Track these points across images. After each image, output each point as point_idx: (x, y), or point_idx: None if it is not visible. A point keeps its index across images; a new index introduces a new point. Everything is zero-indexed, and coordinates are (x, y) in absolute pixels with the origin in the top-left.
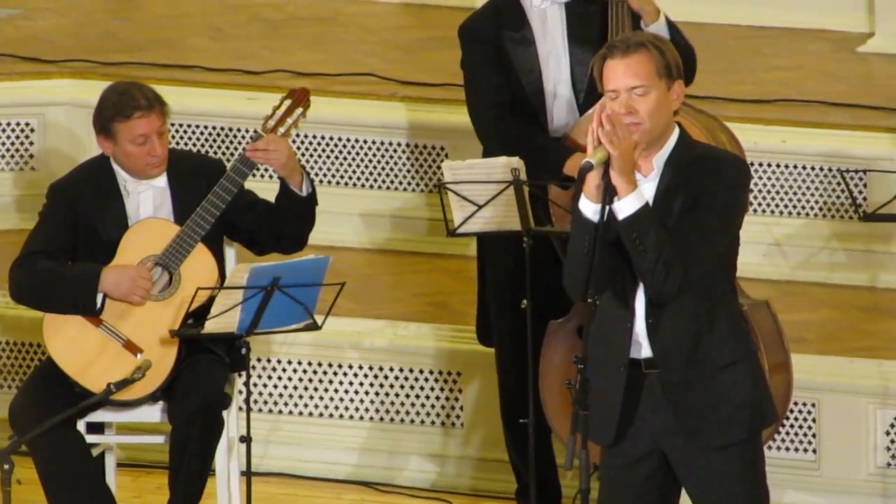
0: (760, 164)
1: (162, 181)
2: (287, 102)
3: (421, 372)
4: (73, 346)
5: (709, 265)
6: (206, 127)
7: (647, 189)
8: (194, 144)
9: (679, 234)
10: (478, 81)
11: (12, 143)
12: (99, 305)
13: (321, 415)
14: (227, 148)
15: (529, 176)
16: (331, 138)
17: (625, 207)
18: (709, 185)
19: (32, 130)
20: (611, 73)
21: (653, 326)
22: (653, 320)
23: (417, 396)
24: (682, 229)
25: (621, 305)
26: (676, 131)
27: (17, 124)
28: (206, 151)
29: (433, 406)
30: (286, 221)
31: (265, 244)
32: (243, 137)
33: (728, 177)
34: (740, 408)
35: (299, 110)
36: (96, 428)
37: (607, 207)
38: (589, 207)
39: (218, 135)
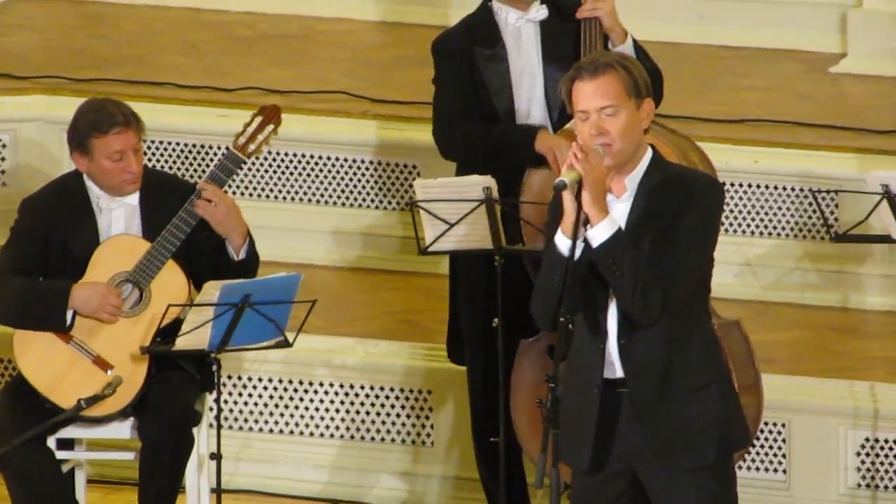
0: (732, 184)
1: (135, 199)
2: (258, 119)
3: (392, 390)
4: (44, 361)
5: (686, 288)
6: (177, 144)
7: (620, 210)
8: (166, 161)
9: (655, 259)
10: (445, 94)
11: None
12: (69, 322)
13: (291, 432)
14: (200, 165)
15: (502, 172)
16: (302, 156)
17: (598, 235)
18: (683, 209)
19: (4, 146)
20: (580, 94)
21: (624, 347)
22: (624, 341)
23: (388, 414)
24: (659, 253)
25: (593, 325)
26: (649, 152)
27: None
28: (178, 168)
29: (403, 424)
30: (223, 273)
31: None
32: (215, 154)
33: (702, 199)
34: (712, 432)
35: (270, 127)
36: (66, 444)
37: (578, 243)
38: (564, 243)
39: (190, 152)
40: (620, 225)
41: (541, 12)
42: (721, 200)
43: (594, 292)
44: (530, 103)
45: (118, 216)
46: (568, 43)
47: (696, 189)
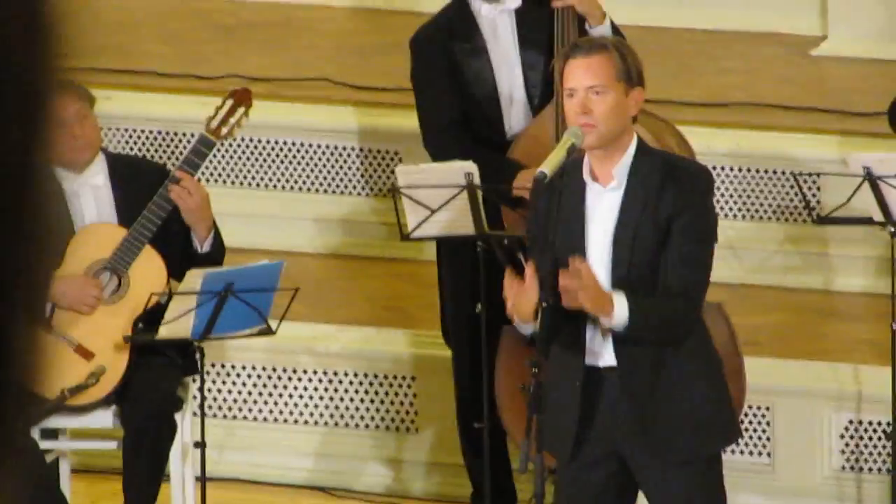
0: (714, 168)
1: (99, 179)
2: (229, 102)
3: (375, 376)
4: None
5: (706, 287)
6: (158, 132)
7: (609, 200)
8: (147, 149)
9: (675, 275)
10: (428, 98)
11: None
12: (48, 314)
13: (276, 420)
14: (180, 152)
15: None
16: (284, 143)
17: (617, 323)
18: (681, 207)
19: None
20: (570, 72)
21: (619, 339)
22: (619, 335)
23: (372, 401)
24: (676, 267)
25: (575, 314)
26: (635, 140)
27: None
28: (158, 156)
29: (388, 411)
30: (190, 263)
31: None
32: (192, 141)
33: (699, 195)
34: (703, 426)
35: (241, 110)
36: (50, 434)
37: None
38: (526, 328)
39: (172, 139)
40: (622, 295)
41: (513, 1)
42: (712, 186)
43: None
44: (511, 90)
45: (88, 202)
46: (543, 29)
47: (690, 183)
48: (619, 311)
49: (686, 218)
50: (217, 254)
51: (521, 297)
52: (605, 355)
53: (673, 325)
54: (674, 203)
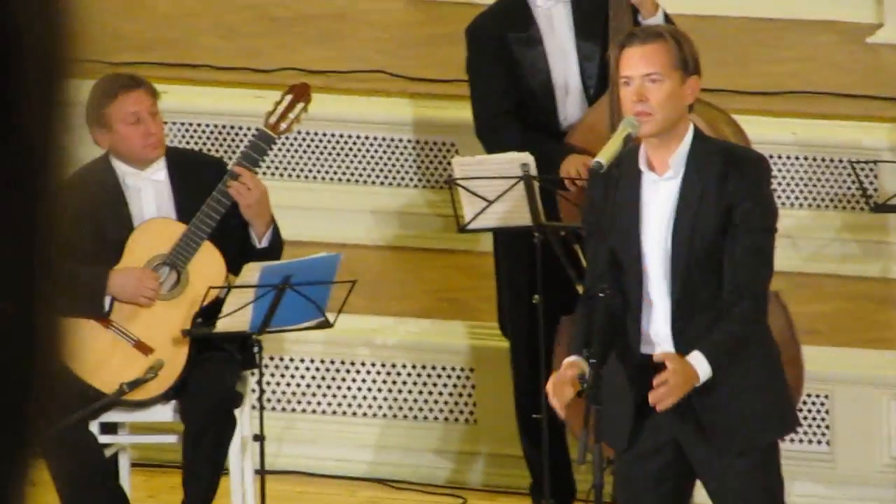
0: (770, 156)
1: (161, 175)
2: (288, 98)
3: (433, 368)
4: (84, 347)
5: (770, 277)
6: (214, 126)
7: (666, 189)
8: (204, 143)
9: (742, 267)
10: (483, 87)
11: None
12: (107, 308)
13: (334, 412)
14: (237, 146)
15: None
16: (340, 136)
17: (704, 380)
18: (742, 196)
19: None
20: (626, 60)
21: (679, 330)
22: (680, 323)
23: (430, 393)
24: (742, 262)
25: (634, 303)
26: (691, 129)
27: None
28: (216, 150)
29: (446, 402)
30: (248, 258)
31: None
32: (251, 135)
33: (759, 183)
34: (761, 415)
35: (300, 105)
36: (109, 428)
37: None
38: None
39: (228, 133)
40: (699, 356)
41: None
42: (770, 174)
43: (630, 272)
44: (567, 81)
45: (148, 197)
46: (598, 19)
47: (749, 167)
48: (703, 372)
49: (747, 207)
50: (275, 249)
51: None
52: (661, 344)
53: (747, 334)
54: (734, 192)
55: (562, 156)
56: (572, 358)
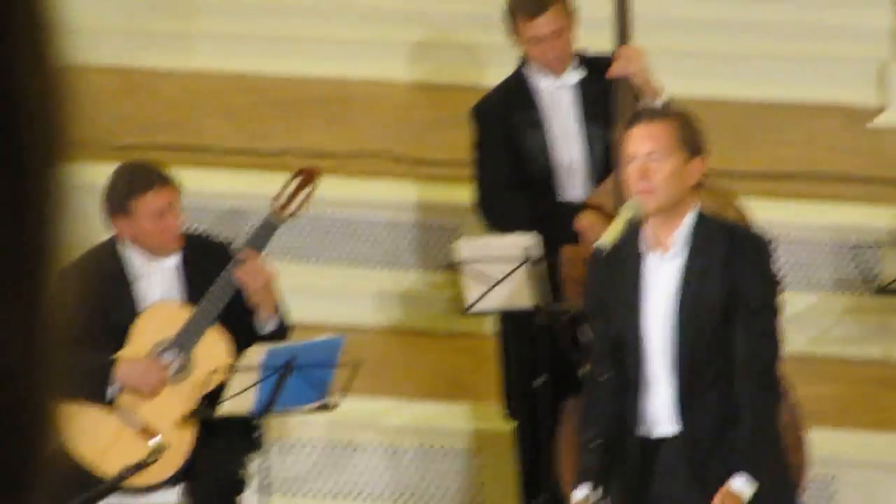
0: (772, 239)
1: (172, 261)
2: (295, 181)
3: (438, 451)
4: (88, 433)
5: (779, 353)
6: (218, 208)
7: (668, 268)
8: (207, 225)
9: (753, 354)
10: (485, 164)
11: None
12: (113, 395)
13: (337, 495)
14: (240, 228)
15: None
16: (343, 218)
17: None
18: (747, 276)
19: None
20: (631, 138)
21: (685, 408)
22: (686, 402)
23: (435, 475)
24: (752, 345)
25: (633, 383)
26: (695, 208)
27: None
28: (221, 232)
29: (450, 485)
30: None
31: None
32: (256, 218)
33: (763, 263)
34: (767, 498)
35: (308, 188)
36: None
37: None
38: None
39: (233, 215)
40: (742, 477)
41: (574, 76)
42: (772, 254)
43: (630, 351)
44: (571, 162)
45: (155, 281)
46: (604, 102)
47: (753, 247)
48: (747, 490)
49: (751, 289)
50: (282, 333)
51: None
52: (662, 423)
53: (771, 424)
54: (738, 273)
55: (572, 214)
56: (579, 497)
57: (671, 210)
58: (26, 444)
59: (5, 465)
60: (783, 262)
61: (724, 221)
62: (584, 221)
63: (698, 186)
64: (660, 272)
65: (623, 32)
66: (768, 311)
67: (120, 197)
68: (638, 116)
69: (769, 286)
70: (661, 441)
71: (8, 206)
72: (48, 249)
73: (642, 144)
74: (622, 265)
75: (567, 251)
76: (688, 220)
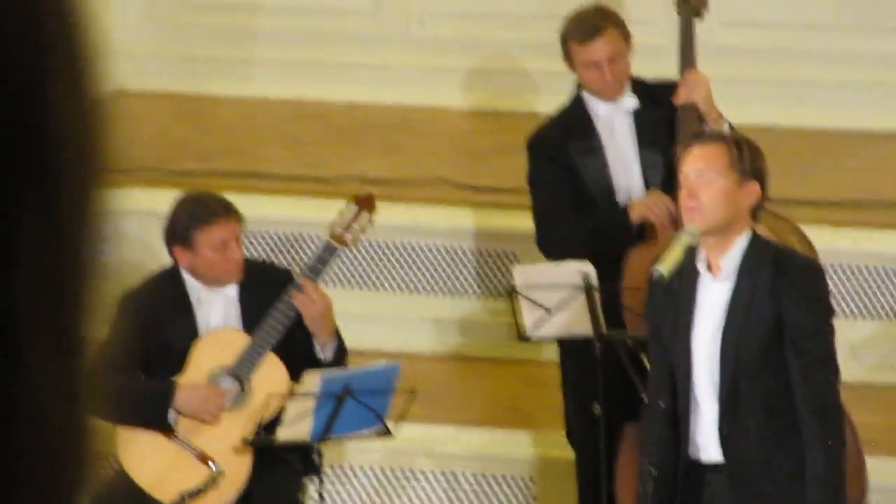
0: (833, 266)
1: (233, 290)
2: (353, 208)
3: (495, 478)
4: (147, 458)
5: (838, 379)
6: (277, 235)
7: (718, 291)
8: (265, 252)
9: (811, 386)
10: (544, 199)
11: None
12: (172, 421)
13: None
14: (298, 254)
15: (603, 257)
16: (402, 244)
17: None
18: (793, 307)
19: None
20: (686, 157)
21: (725, 434)
22: (726, 428)
23: (492, 503)
24: (811, 379)
25: (682, 406)
26: (748, 233)
27: None
28: (281, 259)
29: None
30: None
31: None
32: (314, 244)
33: (809, 292)
34: None
35: (366, 215)
36: None
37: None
38: None
39: (291, 242)
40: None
41: (630, 101)
42: (824, 280)
43: (679, 373)
44: (630, 188)
45: (216, 308)
46: (662, 128)
47: (801, 273)
48: None
49: (800, 314)
50: (340, 360)
51: None
52: (708, 449)
53: (840, 456)
54: (786, 300)
55: (624, 214)
56: None
57: (724, 233)
58: (64, 470)
59: (43, 493)
60: (844, 290)
61: (777, 246)
62: (639, 208)
63: (757, 211)
64: (710, 295)
65: (688, 59)
66: (820, 338)
67: (182, 228)
68: (695, 137)
69: (818, 313)
70: (709, 467)
71: (44, 232)
72: (86, 275)
73: (694, 164)
74: (678, 289)
75: (633, 258)
76: (740, 244)
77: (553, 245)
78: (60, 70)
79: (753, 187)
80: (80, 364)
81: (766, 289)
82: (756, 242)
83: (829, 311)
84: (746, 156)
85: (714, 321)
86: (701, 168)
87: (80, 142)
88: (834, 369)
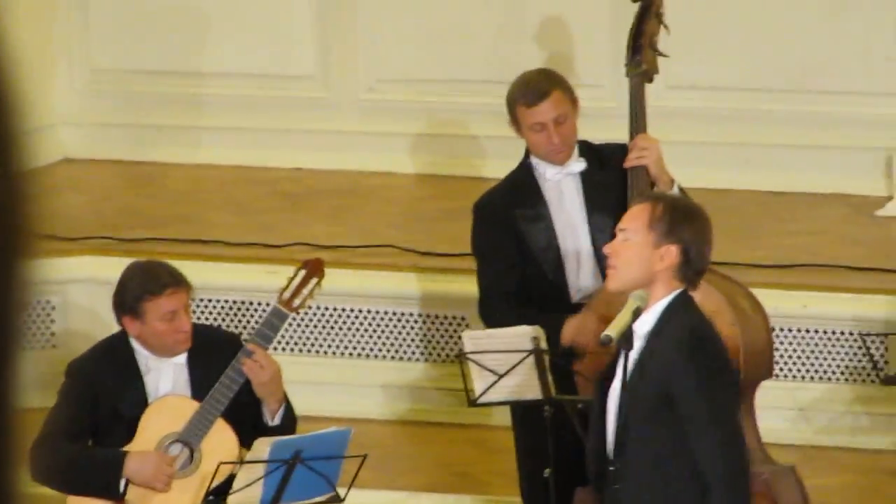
0: (782, 329)
1: (182, 357)
2: (302, 273)
3: None
4: None
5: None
6: (226, 301)
7: (630, 358)
8: (214, 318)
9: (711, 467)
10: (487, 266)
11: (34, 322)
12: (122, 489)
13: None
14: (248, 321)
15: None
16: (350, 310)
17: None
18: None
19: (53, 308)
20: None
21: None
22: (619, 485)
23: None
24: (710, 459)
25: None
26: (667, 300)
27: (38, 303)
28: (226, 325)
29: None
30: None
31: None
32: (263, 310)
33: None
34: None
35: (314, 280)
36: None
37: None
38: None
39: (239, 309)
40: None
41: (579, 165)
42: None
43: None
44: (579, 257)
45: (165, 375)
46: (611, 192)
47: (684, 342)
48: None
49: (685, 382)
50: (288, 426)
51: None
52: None
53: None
54: (672, 367)
55: (558, 326)
56: None
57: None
58: None
59: None
60: (791, 352)
61: (695, 321)
62: (569, 332)
63: (692, 276)
64: (628, 355)
65: (638, 123)
66: (705, 409)
67: (131, 299)
68: (637, 197)
69: (704, 381)
70: None
71: None
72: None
73: (621, 223)
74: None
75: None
76: (653, 311)
77: (493, 325)
78: None
79: (669, 252)
80: (7, 429)
81: (658, 356)
82: (674, 310)
83: (719, 381)
84: (668, 218)
85: (621, 388)
86: (624, 227)
87: (3, 213)
88: (737, 451)
